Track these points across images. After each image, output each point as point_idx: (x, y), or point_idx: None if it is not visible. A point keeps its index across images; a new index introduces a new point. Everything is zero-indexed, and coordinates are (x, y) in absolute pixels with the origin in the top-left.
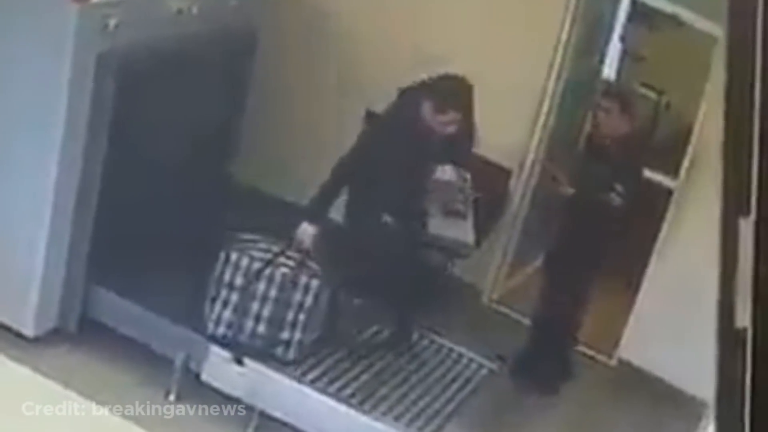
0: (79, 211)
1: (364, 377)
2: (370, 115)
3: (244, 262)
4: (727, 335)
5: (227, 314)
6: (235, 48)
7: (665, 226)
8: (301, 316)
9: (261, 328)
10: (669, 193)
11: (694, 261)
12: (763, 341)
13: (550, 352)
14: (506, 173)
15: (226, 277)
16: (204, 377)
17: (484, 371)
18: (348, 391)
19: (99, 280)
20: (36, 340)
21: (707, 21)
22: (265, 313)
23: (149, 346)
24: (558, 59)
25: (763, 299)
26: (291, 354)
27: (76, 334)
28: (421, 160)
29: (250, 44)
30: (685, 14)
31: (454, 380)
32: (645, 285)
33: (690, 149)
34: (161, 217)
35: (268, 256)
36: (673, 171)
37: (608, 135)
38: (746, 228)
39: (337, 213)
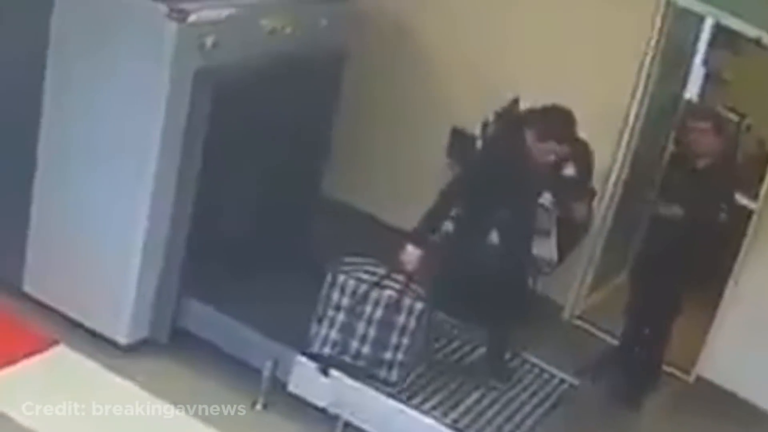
0: (174, 223)
1: (447, 389)
2: (455, 132)
3: (351, 284)
4: None
5: (333, 334)
6: (325, 66)
7: (745, 246)
8: (405, 339)
9: (365, 349)
10: (749, 214)
11: None
12: None
13: (632, 368)
14: (591, 193)
15: (334, 298)
16: (291, 387)
17: (565, 386)
18: (431, 402)
19: (190, 291)
20: (128, 349)
21: None
22: (370, 334)
23: (237, 356)
24: (641, 82)
25: None
26: (393, 375)
27: (167, 343)
28: (529, 184)
29: (340, 62)
30: None
31: (534, 395)
32: (724, 303)
33: None
34: (252, 230)
35: (374, 278)
36: (754, 192)
37: (702, 154)
38: None
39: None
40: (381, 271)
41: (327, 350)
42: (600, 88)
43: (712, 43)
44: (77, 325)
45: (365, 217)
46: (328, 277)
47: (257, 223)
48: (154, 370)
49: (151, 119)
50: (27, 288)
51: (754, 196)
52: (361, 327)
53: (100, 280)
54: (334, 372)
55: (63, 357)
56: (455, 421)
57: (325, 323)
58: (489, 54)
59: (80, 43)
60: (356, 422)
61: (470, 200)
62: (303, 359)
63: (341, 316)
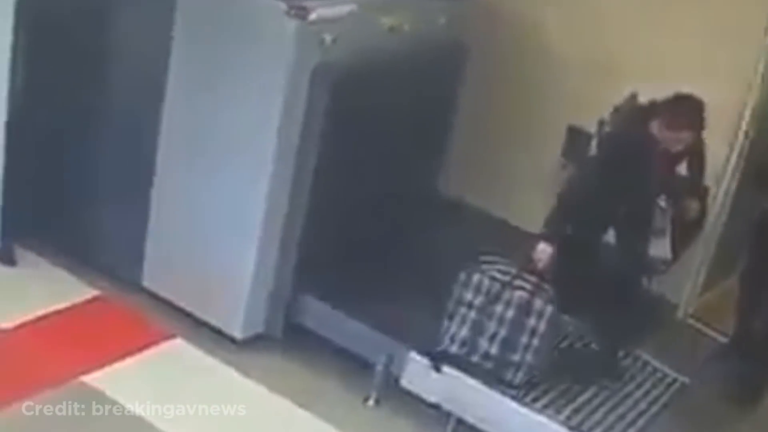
0: (289, 219)
1: (559, 387)
2: (572, 131)
3: (486, 283)
4: None
5: (463, 332)
6: (445, 63)
7: None
8: (535, 341)
9: (494, 350)
10: None
11: None
12: None
13: (743, 367)
14: (705, 189)
15: (467, 296)
16: (403, 383)
17: (677, 385)
18: (543, 400)
19: (305, 287)
20: (243, 344)
21: None
22: (500, 334)
23: (351, 351)
24: (758, 77)
25: None
26: (519, 377)
27: (282, 339)
28: (648, 181)
29: (459, 60)
30: None
31: (647, 393)
32: None
33: None
34: (366, 227)
35: (507, 278)
36: None
37: None
38: None
39: None
40: (513, 270)
41: (455, 348)
42: (717, 82)
43: None
44: (194, 320)
45: (481, 215)
46: (462, 275)
47: (373, 220)
48: (268, 365)
49: (269, 116)
50: (146, 283)
51: None
52: (491, 326)
53: (217, 275)
54: (446, 368)
55: (179, 350)
56: (568, 418)
57: (456, 320)
58: (608, 50)
59: (201, 41)
60: (468, 419)
61: (588, 198)
62: (416, 355)
63: (472, 314)
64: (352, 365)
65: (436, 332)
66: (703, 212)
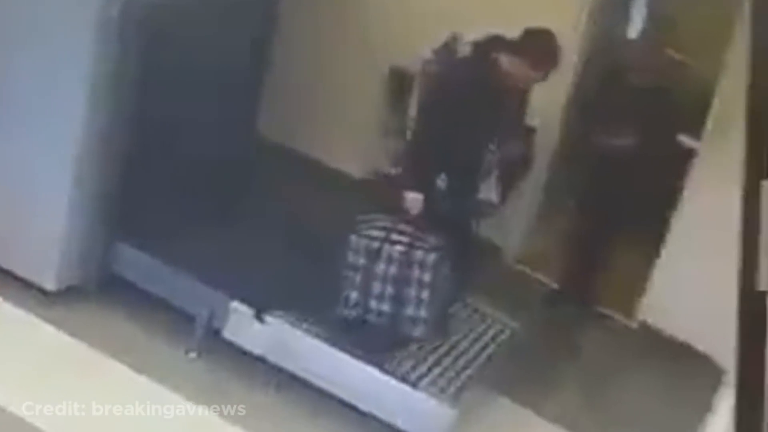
0: (103, 165)
1: (394, 332)
2: (394, 72)
3: (363, 243)
4: (749, 298)
5: (353, 295)
6: (258, 7)
7: (687, 187)
8: (424, 294)
9: (385, 307)
10: (691, 154)
11: (716, 222)
12: None
13: (572, 312)
14: (531, 131)
15: (350, 259)
16: (226, 334)
17: (506, 332)
18: (368, 348)
19: (122, 235)
20: (56, 297)
21: None
22: (388, 291)
23: (171, 303)
24: (583, 21)
25: None
26: (419, 332)
27: (99, 290)
28: (494, 117)
29: (273, 4)
30: None
31: (476, 340)
32: (667, 244)
33: (713, 110)
34: (185, 173)
35: (383, 234)
36: (696, 132)
37: (636, 90)
38: None
39: None
40: (392, 225)
41: (349, 312)
42: (539, 23)
43: None
44: (3, 272)
45: (301, 159)
46: (352, 238)
47: (192, 168)
48: (84, 318)
49: (79, 57)
50: None
51: (697, 136)
52: (378, 286)
53: (27, 224)
54: (269, 318)
55: None
56: (396, 368)
57: (346, 284)
58: None
59: None
60: (293, 369)
61: (429, 139)
62: (239, 305)
63: (358, 277)
64: (174, 317)
65: (258, 282)
66: (530, 154)
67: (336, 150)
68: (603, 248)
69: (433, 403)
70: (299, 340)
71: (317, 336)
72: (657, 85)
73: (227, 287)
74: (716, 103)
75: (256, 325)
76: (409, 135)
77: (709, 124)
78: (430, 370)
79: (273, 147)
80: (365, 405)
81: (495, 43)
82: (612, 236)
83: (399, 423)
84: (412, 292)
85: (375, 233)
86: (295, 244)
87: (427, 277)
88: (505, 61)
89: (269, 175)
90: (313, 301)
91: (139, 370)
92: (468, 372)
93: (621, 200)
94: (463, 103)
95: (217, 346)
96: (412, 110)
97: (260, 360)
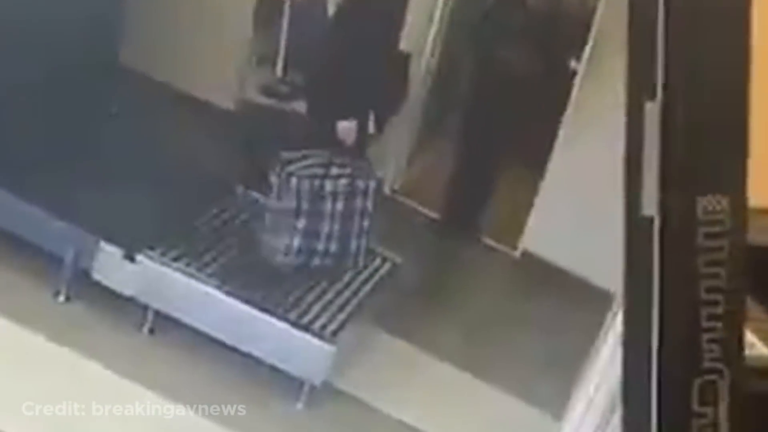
0: None
1: (269, 269)
2: None
3: (305, 184)
4: (634, 223)
5: (296, 242)
6: None
7: (568, 111)
8: (366, 222)
9: (333, 246)
10: (573, 75)
11: (600, 146)
12: (670, 230)
13: (452, 242)
14: (405, 56)
15: (290, 204)
16: (95, 275)
17: (387, 265)
18: (244, 286)
19: None
20: None
21: None
22: (335, 230)
23: (37, 244)
24: None
25: (668, 186)
26: (360, 262)
27: None
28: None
29: None
30: None
31: (357, 274)
32: (550, 171)
33: (593, 31)
34: (45, 107)
35: (323, 170)
36: (577, 52)
37: (514, 8)
38: (652, 112)
39: None
40: (326, 159)
41: (292, 259)
42: None
43: None
44: None
45: (169, 91)
46: (275, 183)
47: (52, 96)
48: None
49: None
50: None
51: (578, 57)
52: (325, 226)
53: None
54: (140, 257)
55: None
56: (275, 305)
57: (285, 234)
58: None
59: None
60: (165, 310)
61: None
62: (107, 245)
63: (302, 222)
64: (40, 259)
65: (127, 219)
66: (405, 80)
67: (203, 79)
68: (485, 177)
69: (310, 340)
70: (172, 280)
71: (191, 275)
72: (536, 3)
73: (94, 225)
74: (596, 22)
75: (127, 264)
76: (280, 62)
77: (589, 43)
78: (309, 307)
79: (136, 76)
80: (242, 344)
81: None
82: (494, 164)
83: (277, 363)
84: (356, 224)
85: (315, 170)
86: (163, 179)
87: (369, 205)
88: None
89: (134, 106)
90: (186, 237)
91: (5, 313)
92: (348, 308)
93: (502, 126)
94: (336, 28)
95: (87, 287)
96: (283, 37)
97: (132, 301)
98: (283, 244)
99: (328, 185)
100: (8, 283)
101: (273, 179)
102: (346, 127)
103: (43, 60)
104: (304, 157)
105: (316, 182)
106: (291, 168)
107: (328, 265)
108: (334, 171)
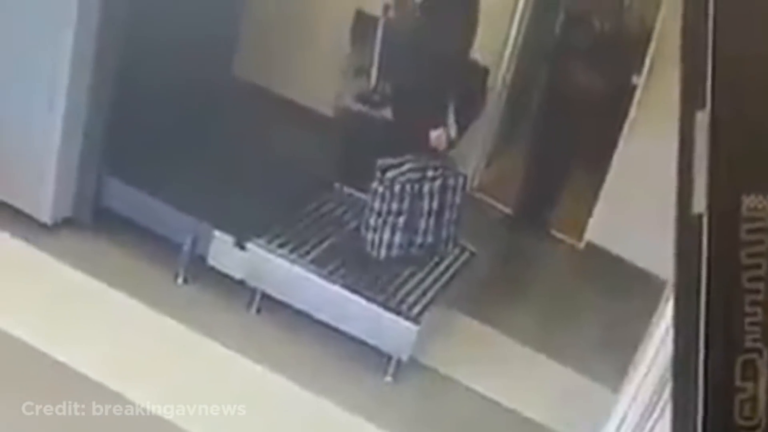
0: (93, 104)
1: (359, 256)
2: (359, 15)
3: (407, 188)
4: (685, 220)
5: (397, 238)
6: None
7: (630, 118)
8: (454, 214)
9: (429, 239)
10: (633, 88)
11: (656, 151)
12: (717, 226)
13: (523, 234)
14: (484, 71)
15: (393, 206)
16: (210, 261)
17: (466, 254)
18: (340, 272)
19: (112, 170)
20: (53, 228)
21: None
22: (431, 224)
23: (159, 233)
24: None
25: (716, 187)
26: (450, 248)
27: (92, 222)
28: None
29: None
30: None
31: (439, 263)
32: (611, 172)
33: (652, 48)
34: (169, 111)
35: (419, 174)
36: (637, 68)
37: (582, 30)
38: (702, 120)
39: None
40: (421, 164)
41: (394, 253)
42: None
43: None
44: (3, 205)
45: (273, 97)
46: (378, 187)
47: (175, 105)
48: (79, 248)
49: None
50: None
51: (638, 72)
52: (422, 223)
53: (22, 158)
54: (250, 245)
55: None
56: (365, 288)
57: (387, 230)
58: None
59: None
60: (271, 292)
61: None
62: (221, 234)
63: (401, 220)
64: (162, 246)
65: (239, 211)
66: (483, 92)
67: (306, 89)
68: (554, 177)
69: (398, 320)
70: (277, 265)
71: (294, 261)
72: (601, 25)
73: (210, 217)
74: (654, 41)
75: (238, 251)
76: (373, 74)
77: (648, 60)
78: (397, 291)
79: (247, 86)
80: (338, 323)
81: None
82: (562, 165)
83: (369, 340)
84: (446, 216)
85: (412, 175)
86: (269, 176)
87: (458, 199)
88: None
89: (245, 112)
90: (290, 227)
91: (132, 295)
92: (431, 293)
93: (570, 132)
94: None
95: (203, 271)
96: (376, 52)
97: (242, 284)
98: (386, 240)
99: (426, 187)
100: (134, 267)
101: (375, 184)
102: (437, 136)
103: (171, 72)
104: (401, 164)
105: (415, 186)
106: (391, 174)
107: (423, 255)
108: (429, 174)
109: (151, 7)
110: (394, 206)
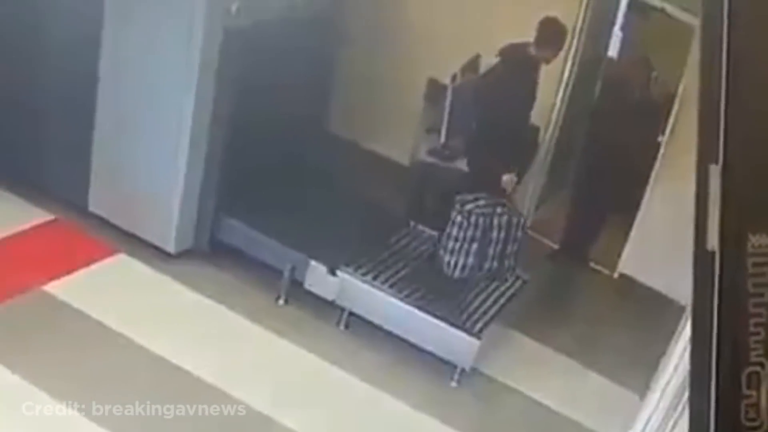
0: (210, 153)
1: (429, 282)
2: (431, 82)
3: (481, 220)
4: (701, 255)
5: (469, 261)
6: (329, 28)
7: (656, 169)
8: (515, 247)
9: (495, 264)
10: (659, 144)
11: (677, 197)
12: (727, 260)
13: (566, 266)
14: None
15: (468, 233)
16: (306, 285)
17: (519, 282)
18: (416, 295)
19: (226, 209)
20: (176, 257)
21: (687, 14)
22: (497, 251)
23: (264, 261)
24: (573, 43)
25: (726, 228)
26: (509, 275)
27: (208, 252)
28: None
29: (340, 23)
30: (670, 8)
31: (497, 288)
32: (640, 214)
33: (674, 110)
34: (272, 159)
35: (490, 209)
36: (662, 128)
37: (616, 95)
38: (715, 172)
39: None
40: (492, 201)
41: (465, 274)
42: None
43: (627, 12)
44: (134, 238)
45: (357, 148)
46: (458, 216)
47: (277, 154)
48: (197, 274)
49: (188, 72)
50: (92, 208)
51: (663, 130)
52: (491, 250)
53: (151, 200)
54: (339, 272)
55: (123, 263)
56: (435, 309)
57: (462, 253)
58: (457, 21)
59: (129, 13)
60: (357, 311)
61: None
62: (315, 263)
63: (475, 246)
64: (266, 273)
65: (330, 244)
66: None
67: (387, 142)
68: (593, 218)
69: (463, 335)
70: (363, 289)
71: (376, 286)
72: (632, 93)
73: (306, 248)
74: (677, 104)
75: (330, 277)
76: (443, 132)
77: (672, 120)
78: (462, 310)
79: (337, 139)
80: (412, 337)
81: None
82: (599, 208)
83: (437, 351)
84: (509, 248)
85: (486, 209)
86: (355, 214)
87: (519, 233)
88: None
89: (335, 160)
90: (373, 257)
91: (241, 313)
92: (491, 312)
93: (606, 181)
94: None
95: (300, 294)
96: (445, 113)
97: (332, 304)
98: (460, 262)
99: (495, 220)
100: (242, 289)
101: (454, 214)
102: (509, 179)
103: (274, 127)
104: (476, 199)
105: (488, 218)
106: (468, 207)
107: (488, 278)
108: (498, 210)
109: (259, 78)
110: (469, 234)
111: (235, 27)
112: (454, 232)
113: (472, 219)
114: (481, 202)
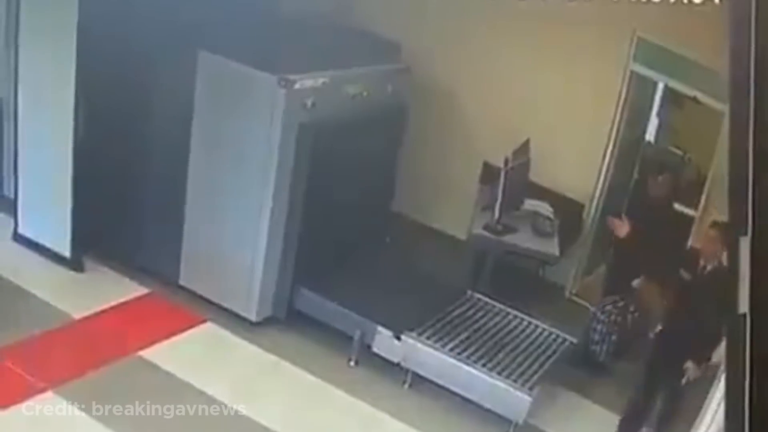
0: (287, 236)
1: (485, 344)
2: (486, 165)
3: (611, 318)
4: (734, 318)
5: (596, 347)
6: (392, 118)
7: (690, 241)
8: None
9: (611, 348)
10: (691, 220)
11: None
12: (758, 323)
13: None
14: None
15: (598, 329)
16: (374, 348)
17: (567, 343)
18: (474, 357)
19: (301, 281)
20: (257, 324)
21: (717, 101)
22: (614, 338)
23: (335, 327)
24: (614, 129)
25: (756, 293)
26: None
27: (285, 320)
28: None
29: (403, 115)
30: (702, 97)
31: (546, 349)
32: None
33: (706, 189)
34: (342, 237)
35: (617, 309)
36: (695, 204)
37: (649, 177)
38: (745, 244)
39: None
40: (623, 302)
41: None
42: (587, 132)
43: (663, 100)
44: (220, 308)
45: (420, 226)
46: (600, 315)
47: (346, 232)
48: (276, 339)
49: (268, 160)
50: (183, 282)
51: (696, 207)
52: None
53: (236, 276)
54: (404, 337)
55: (210, 331)
56: (490, 369)
57: (598, 340)
58: (509, 108)
59: (216, 106)
60: (420, 372)
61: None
62: (383, 329)
63: (604, 329)
64: (338, 338)
65: (395, 312)
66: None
67: (446, 220)
68: (629, 284)
69: (514, 391)
70: (425, 351)
71: (437, 348)
72: (667, 174)
73: (374, 316)
74: (708, 183)
75: (395, 342)
76: (497, 210)
77: (703, 198)
78: (514, 368)
79: (402, 218)
80: (471, 395)
81: None
82: (635, 277)
83: (494, 407)
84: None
85: (618, 306)
86: (418, 285)
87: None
88: None
89: (400, 237)
90: (434, 323)
91: (316, 375)
92: (541, 371)
93: (639, 251)
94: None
95: (368, 356)
96: (499, 193)
97: (398, 365)
98: (595, 340)
99: (629, 316)
100: (316, 353)
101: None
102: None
103: (345, 208)
104: (612, 302)
105: (621, 315)
106: (607, 307)
107: (599, 359)
108: (630, 308)
109: (326, 162)
110: (606, 328)
111: (310, 121)
112: (594, 325)
113: (601, 317)
114: (618, 303)
